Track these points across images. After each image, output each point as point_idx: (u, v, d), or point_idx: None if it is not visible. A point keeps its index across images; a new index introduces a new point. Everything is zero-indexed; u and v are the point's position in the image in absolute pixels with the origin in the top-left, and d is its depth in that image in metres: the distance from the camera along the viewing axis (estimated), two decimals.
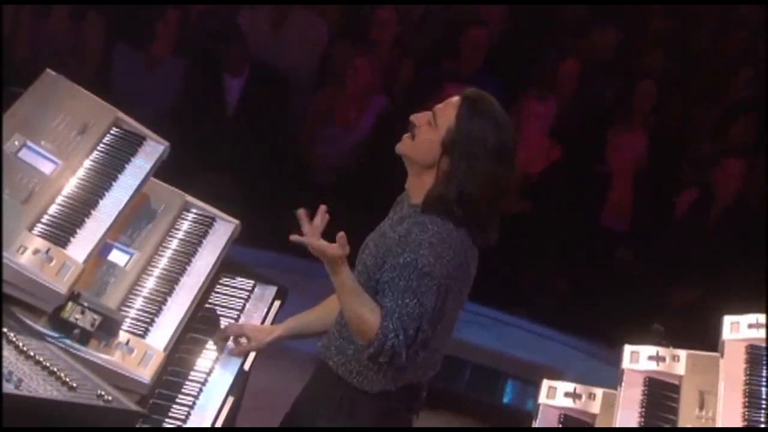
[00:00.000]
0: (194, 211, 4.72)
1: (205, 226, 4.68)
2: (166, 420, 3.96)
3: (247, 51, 8.23)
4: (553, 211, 8.22)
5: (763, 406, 3.90)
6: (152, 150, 4.60)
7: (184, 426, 3.95)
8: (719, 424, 3.92)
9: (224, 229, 4.71)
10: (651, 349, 4.40)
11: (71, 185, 4.26)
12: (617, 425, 4.14)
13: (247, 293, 4.64)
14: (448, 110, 3.87)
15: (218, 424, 4.02)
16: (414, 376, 3.94)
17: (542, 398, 4.50)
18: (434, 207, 3.83)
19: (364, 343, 3.79)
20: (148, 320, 4.15)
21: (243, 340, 4.28)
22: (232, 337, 4.29)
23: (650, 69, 8.72)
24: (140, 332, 4.08)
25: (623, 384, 4.29)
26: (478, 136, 3.81)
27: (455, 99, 3.89)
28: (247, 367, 4.27)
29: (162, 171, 4.66)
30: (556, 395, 4.49)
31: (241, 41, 8.20)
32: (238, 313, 4.53)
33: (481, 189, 3.79)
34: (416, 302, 3.74)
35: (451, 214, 3.80)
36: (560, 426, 4.42)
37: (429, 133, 3.87)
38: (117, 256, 4.29)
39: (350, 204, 7.91)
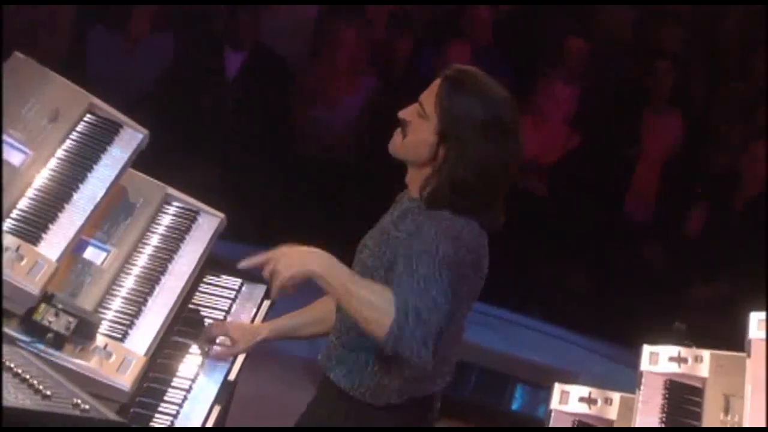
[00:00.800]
0: (176, 204, 4.73)
1: (187, 220, 4.69)
2: None
3: (257, 22, 8.23)
4: (568, 202, 8.23)
5: None
6: (130, 138, 4.61)
7: None
8: None
9: (209, 223, 4.72)
10: (672, 350, 4.41)
11: (42, 177, 4.26)
12: None
13: (234, 292, 4.65)
14: (432, 96, 3.85)
15: None
16: (425, 387, 3.92)
17: (554, 404, 4.51)
18: (432, 200, 3.80)
19: (378, 335, 3.63)
20: (127, 323, 4.16)
21: (226, 340, 4.28)
22: (218, 339, 4.30)
23: (669, 49, 8.72)
24: (119, 336, 4.09)
25: (642, 387, 4.30)
26: (464, 114, 3.77)
27: (437, 82, 3.87)
28: (232, 376, 4.28)
29: (141, 161, 4.66)
30: (569, 400, 4.51)
31: (253, 10, 8.19)
32: (224, 313, 4.54)
33: (475, 171, 3.75)
34: (436, 291, 3.63)
35: (455, 206, 3.78)
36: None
37: (420, 126, 3.83)
38: (93, 254, 4.30)
39: (343, 197, 7.94)
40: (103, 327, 4.07)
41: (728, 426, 4.03)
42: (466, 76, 3.85)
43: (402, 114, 3.88)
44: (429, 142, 3.81)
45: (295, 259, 3.74)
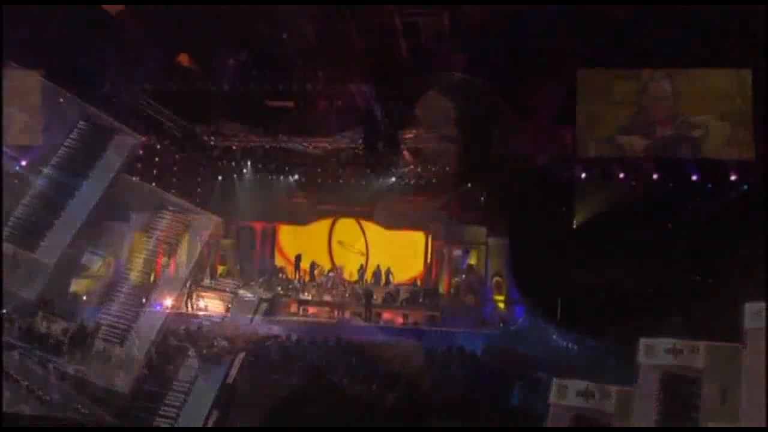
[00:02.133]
0: (171, 208, 4.70)
1: (183, 224, 4.66)
2: None
3: None
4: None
5: None
6: (124, 144, 4.58)
7: None
8: (743, 420, 3.90)
9: (204, 227, 4.70)
10: (668, 342, 4.38)
11: (38, 185, 4.24)
12: (634, 424, 4.13)
13: (232, 296, 4.63)
14: (434, 112, 3.83)
15: None
16: None
17: (553, 398, 4.48)
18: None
19: None
20: (125, 327, 4.15)
21: (224, 342, 4.28)
22: (215, 342, 4.29)
23: None
24: (117, 340, 4.08)
25: (639, 379, 4.27)
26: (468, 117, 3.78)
27: (432, 94, 3.85)
28: (230, 379, 4.27)
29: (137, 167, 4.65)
30: (567, 394, 4.47)
31: None
32: (222, 316, 4.52)
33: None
34: None
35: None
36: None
37: (444, 148, 3.84)
38: (89, 260, 4.28)
39: None
40: (102, 332, 4.05)
41: (727, 414, 4.00)
42: (452, 83, 3.84)
43: (418, 144, 3.86)
44: (456, 156, 3.82)
45: None
